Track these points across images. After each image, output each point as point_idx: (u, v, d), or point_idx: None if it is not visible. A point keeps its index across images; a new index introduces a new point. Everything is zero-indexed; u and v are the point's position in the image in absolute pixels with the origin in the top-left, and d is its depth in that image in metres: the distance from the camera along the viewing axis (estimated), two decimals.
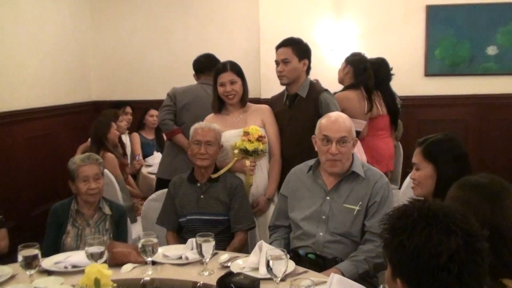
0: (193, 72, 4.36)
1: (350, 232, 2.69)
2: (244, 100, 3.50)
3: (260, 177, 3.43)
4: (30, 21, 5.35)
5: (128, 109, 5.54)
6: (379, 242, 2.58)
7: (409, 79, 5.93)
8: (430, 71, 5.97)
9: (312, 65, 3.65)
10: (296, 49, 3.45)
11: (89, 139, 4.81)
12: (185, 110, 4.01)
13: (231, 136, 3.40)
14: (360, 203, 2.70)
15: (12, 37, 5.02)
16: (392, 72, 5.04)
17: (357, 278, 2.29)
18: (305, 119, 3.37)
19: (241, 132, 3.37)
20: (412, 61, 5.97)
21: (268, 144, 3.44)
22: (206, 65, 4.23)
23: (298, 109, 3.47)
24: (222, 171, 3.23)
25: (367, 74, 4.23)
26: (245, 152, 3.32)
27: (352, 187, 2.74)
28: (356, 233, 2.70)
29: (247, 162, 3.35)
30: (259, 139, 3.33)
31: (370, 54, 5.17)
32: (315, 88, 3.48)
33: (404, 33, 5.96)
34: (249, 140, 3.31)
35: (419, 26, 5.94)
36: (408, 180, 3.63)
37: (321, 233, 2.71)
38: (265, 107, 3.58)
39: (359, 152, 3.99)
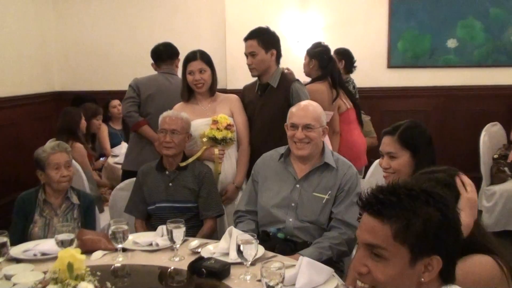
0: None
1: (319, 220, 2.74)
2: (212, 89, 3.51)
3: (228, 166, 3.46)
4: None
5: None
6: (343, 229, 2.67)
7: (373, 71, 6.06)
8: (393, 63, 6.11)
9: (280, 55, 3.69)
10: (262, 41, 3.47)
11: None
12: (150, 101, 3.99)
13: (200, 125, 3.41)
14: (330, 192, 2.75)
15: None
16: (355, 64, 5.17)
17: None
18: (275, 108, 3.42)
19: (209, 121, 3.39)
20: (376, 53, 6.10)
21: (237, 132, 3.47)
22: (166, 54, 4.22)
23: (269, 98, 3.51)
24: (190, 160, 3.25)
25: (332, 63, 4.30)
26: (214, 141, 3.35)
27: (323, 177, 2.79)
28: (324, 221, 2.75)
29: (216, 151, 3.38)
30: (228, 127, 3.36)
31: (335, 46, 5.26)
32: (286, 78, 3.53)
33: (368, 25, 6.08)
34: (218, 129, 3.33)
35: (382, 19, 6.06)
36: (373, 168, 3.71)
37: (290, 219, 2.76)
38: (234, 96, 3.61)
39: (326, 142, 4.07)
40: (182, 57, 3.68)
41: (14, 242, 2.67)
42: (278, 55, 3.55)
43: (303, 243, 2.70)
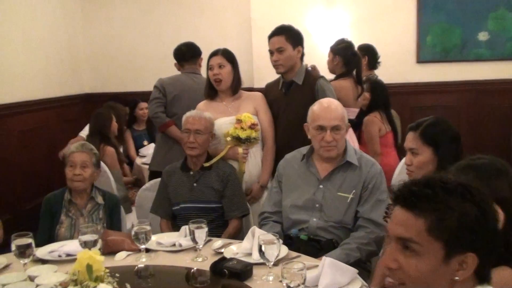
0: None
1: (344, 220, 2.70)
2: (234, 87, 3.48)
3: (253, 165, 3.44)
4: (20, 13, 5.31)
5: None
6: (370, 228, 2.62)
7: (401, 66, 5.94)
8: (422, 58, 5.98)
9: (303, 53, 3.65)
10: (289, 37, 3.44)
11: (80, 134, 4.82)
12: (176, 101, 4.00)
13: (223, 124, 3.40)
14: (354, 191, 2.71)
15: (2, 30, 4.99)
16: (379, 60, 5.08)
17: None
18: (301, 106, 3.34)
19: (233, 119, 3.37)
20: (404, 48, 5.97)
21: (261, 131, 3.45)
22: (189, 53, 4.23)
23: (294, 96, 3.47)
24: (214, 160, 3.24)
25: (357, 59, 4.24)
26: (238, 140, 3.33)
27: (346, 176, 2.74)
28: (349, 221, 2.70)
29: (240, 150, 3.36)
30: (252, 126, 3.33)
31: (362, 42, 5.20)
32: (311, 75, 3.49)
33: (396, 20, 5.96)
34: (242, 128, 3.31)
35: (410, 13, 5.94)
36: (400, 166, 3.64)
37: (314, 219, 2.72)
38: (258, 94, 3.58)
39: (351, 139, 4.02)
40: (205, 56, 3.69)
41: (42, 243, 2.71)
42: (303, 52, 3.52)
43: (328, 241, 2.66)
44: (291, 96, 3.48)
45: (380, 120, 4.35)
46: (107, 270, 1.78)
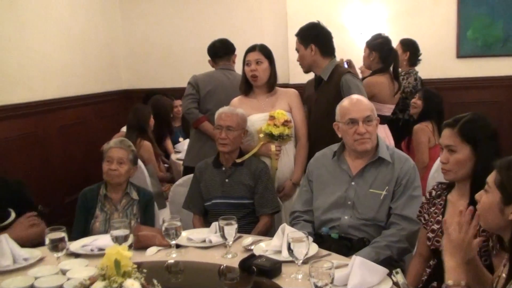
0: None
1: (377, 217, 2.65)
2: (270, 83, 3.47)
3: (285, 162, 3.42)
4: (60, 11, 5.42)
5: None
6: (402, 224, 2.57)
7: (441, 61, 5.83)
8: (463, 53, 5.84)
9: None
10: (300, 38, 3.50)
11: (122, 130, 4.89)
12: (209, 97, 4.03)
13: (257, 120, 3.39)
14: (387, 187, 2.66)
15: (42, 27, 5.10)
16: (419, 57, 4.98)
17: (379, 264, 2.25)
18: (327, 102, 3.34)
19: (267, 116, 3.35)
20: (444, 42, 5.85)
21: (295, 128, 3.42)
22: (222, 50, 4.24)
23: (322, 92, 3.45)
24: (247, 156, 3.23)
25: (394, 54, 4.16)
26: (271, 137, 3.31)
27: (378, 172, 2.70)
28: (382, 218, 2.66)
29: (273, 147, 3.34)
30: (285, 123, 3.30)
31: (400, 37, 5.13)
32: (338, 71, 3.44)
33: (435, 14, 5.84)
34: (275, 125, 3.29)
35: (451, 6, 5.81)
36: (437, 165, 3.56)
37: (346, 217, 2.68)
38: (292, 91, 3.55)
39: (387, 136, 3.96)
40: (241, 52, 3.68)
41: (77, 237, 2.78)
42: (323, 49, 3.46)
43: (359, 240, 2.62)
44: (319, 92, 3.48)
45: (431, 130, 4.21)
46: (135, 266, 1.79)
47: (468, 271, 1.83)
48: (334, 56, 3.53)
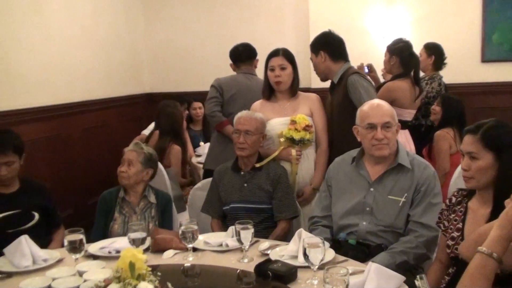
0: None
1: (395, 224, 2.62)
2: (294, 88, 3.46)
3: (305, 166, 3.40)
4: (83, 15, 5.51)
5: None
6: (420, 231, 2.53)
7: (465, 66, 5.73)
8: (487, 57, 5.74)
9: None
10: (311, 47, 3.56)
11: (143, 132, 4.93)
12: (232, 101, 4.05)
13: (278, 124, 3.38)
14: (406, 194, 2.63)
15: (66, 32, 5.19)
16: (445, 61, 4.92)
17: (395, 269, 2.22)
18: (337, 104, 3.38)
19: (287, 120, 3.34)
20: (468, 46, 5.76)
21: (316, 133, 3.41)
22: (245, 54, 4.25)
23: (334, 95, 3.47)
24: (266, 160, 3.23)
25: (415, 59, 4.12)
26: (291, 141, 3.30)
27: (398, 179, 2.66)
28: (401, 225, 2.62)
29: (293, 151, 3.33)
30: (306, 128, 3.29)
31: (423, 41, 5.08)
32: (347, 73, 3.43)
33: (459, 17, 5.75)
34: (296, 129, 3.27)
35: (475, 10, 5.71)
36: (458, 172, 3.50)
37: (364, 223, 2.66)
38: (314, 95, 3.54)
39: (408, 141, 3.92)
40: (262, 57, 3.68)
41: (96, 239, 2.81)
42: (333, 54, 3.46)
43: (377, 246, 2.59)
44: (333, 95, 3.50)
45: (452, 137, 4.16)
46: (149, 269, 1.80)
47: (506, 248, 1.77)
48: (347, 61, 3.52)
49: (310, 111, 3.42)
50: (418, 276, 1.93)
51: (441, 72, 4.99)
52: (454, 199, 2.35)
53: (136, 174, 3.09)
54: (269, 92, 3.50)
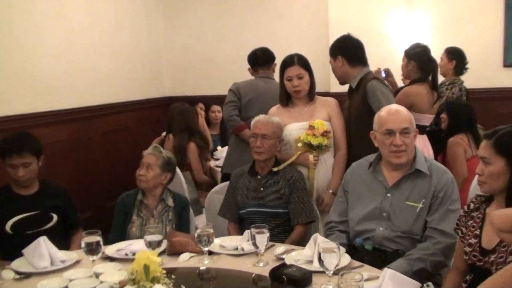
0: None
1: (412, 230, 2.60)
2: (311, 94, 3.46)
3: (323, 171, 3.39)
4: (105, 20, 5.58)
5: (201, 105, 5.72)
6: (438, 238, 2.51)
7: (487, 70, 5.66)
8: (510, 61, 5.66)
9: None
10: (330, 51, 3.55)
11: (163, 134, 4.97)
12: (250, 105, 4.07)
13: (295, 129, 3.38)
14: (423, 200, 2.60)
15: (88, 36, 5.26)
16: (466, 66, 4.86)
17: (412, 276, 2.20)
18: (355, 109, 3.36)
19: (305, 125, 3.34)
20: (490, 51, 5.69)
21: (334, 138, 3.39)
22: (263, 59, 4.26)
23: (352, 100, 3.46)
24: (284, 165, 3.22)
25: (433, 64, 4.08)
26: (309, 146, 3.29)
27: (415, 184, 2.64)
28: (418, 231, 2.60)
29: (311, 156, 3.31)
30: (324, 134, 3.26)
31: (444, 46, 5.03)
32: (366, 78, 3.41)
33: (481, 21, 5.69)
34: (314, 135, 3.26)
35: (497, 13, 5.64)
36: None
37: (380, 228, 2.64)
38: (331, 100, 3.52)
39: (426, 147, 3.88)
40: (278, 61, 3.69)
41: (114, 241, 2.83)
42: (351, 58, 3.45)
43: (394, 252, 2.56)
44: (350, 100, 3.49)
45: (466, 142, 4.11)
46: (164, 271, 1.82)
47: None
48: (366, 65, 3.50)
49: (328, 116, 3.41)
50: (425, 285, 1.91)
51: (462, 77, 4.94)
52: (472, 205, 2.33)
53: (155, 178, 3.12)
54: (286, 99, 3.49)
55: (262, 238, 2.37)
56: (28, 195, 3.06)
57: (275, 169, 3.18)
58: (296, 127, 3.39)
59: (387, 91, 3.35)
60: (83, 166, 5.12)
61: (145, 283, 1.75)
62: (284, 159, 3.32)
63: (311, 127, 3.28)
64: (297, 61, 3.41)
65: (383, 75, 4.35)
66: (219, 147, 5.41)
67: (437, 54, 4.90)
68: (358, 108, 3.30)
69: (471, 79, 5.09)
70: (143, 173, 3.09)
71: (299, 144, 3.32)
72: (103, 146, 5.45)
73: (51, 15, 4.72)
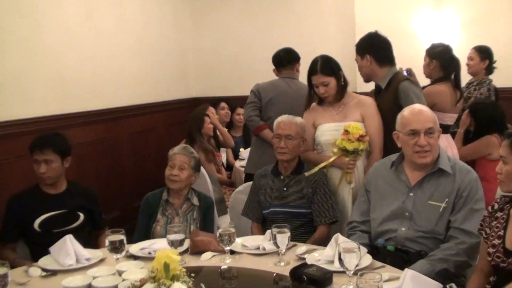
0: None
1: (435, 230, 2.57)
2: (341, 93, 3.38)
3: (359, 172, 3.34)
4: (133, 23, 5.65)
5: (224, 105, 5.75)
6: (461, 238, 2.47)
7: None
8: None
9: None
10: (357, 49, 3.52)
11: None
12: (271, 105, 4.08)
13: (327, 130, 3.35)
14: (447, 200, 2.57)
15: (116, 39, 5.34)
16: (494, 64, 4.79)
17: (435, 277, 2.18)
18: (385, 109, 3.30)
19: (337, 126, 3.29)
20: None
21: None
22: (286, 59, 4.27)
23: (381, 100, 3.41)
24: (316, 168, 3.20)
25: (455, 63, 4.02)
26: (345, 151, 3.20)
27: (438, 184, 2.61)
28: (441, 231, 2.57)
29: (346, 160, 3.23)
30: (360, 138, 3.16)
31: (472, 44, 4.95)
32: (397, 78, 3.37)
33: (510, 19, 5.58)
34: (349, 140, 3.17)
35: None
36: None
37: (403, 229, 2.62)
38: (369, 100, 3.43)
39: (450, 146, 3.83)
40: (308, 60, 3.66)
41: (139, 239, 2.88)
42: (379, 58, 3.41)
43: (417, 253, 2.54)
44: (378, 100, 3.43)
45: (499, 142, 3.94)
46: (184, 269, 1.84)
47: None
48: (394, 64, 3.46)
49: (362, 117, 3.34)
50: (447, 286, 1.89)
51: (491, 76, 4.86)
52: (496, 206, 2.30)
53: (187, 178, 3.17)
54: (319, 98, 3.45)
55: (283, 238, 2.38)
56: (56, 194, 3.13)
57: (308, 173, 3.17)
58: (328, 128, 3.35)
59: (419, 91, 3.33)
60: (111, 166, 5.20)
61: (165, 280, 1.77)
62: (316, 159, 3.32)
63: (346, 132, 3.18)
64: (320, 69, 3.33)
65: (405, 74, 4.30)
66: (241, 149, 5.43)
67: (465, 53, 4.84)
68: (389, 108, 3.21)
69: (501, 78, 5.01)
70: (176, 173, 3.13)
71: (335, 150, 3.25)
72: (130, 147, 5.52)
73: (80, 17, 4.81)
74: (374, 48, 3.43)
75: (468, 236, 2.48)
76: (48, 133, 3.25)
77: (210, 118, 4.92)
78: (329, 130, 3.34)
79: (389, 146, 2.94)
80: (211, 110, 5.33)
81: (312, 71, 3.38)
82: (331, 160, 3.26)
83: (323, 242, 2.96)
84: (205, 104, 5.33)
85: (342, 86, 3.38)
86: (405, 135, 2.63)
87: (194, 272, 1.96)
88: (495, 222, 2.25)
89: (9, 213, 3.07)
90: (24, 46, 4.14)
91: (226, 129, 5.55)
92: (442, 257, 2.45)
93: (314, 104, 3.50)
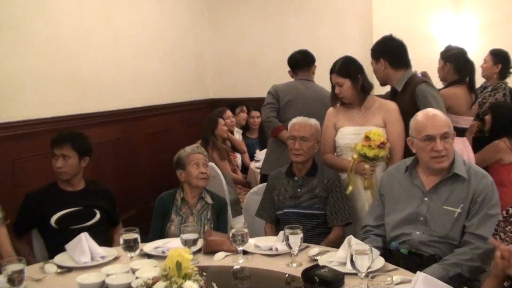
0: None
1: (450, 235, 2.55)
2: (360, 98, 3.34)
3: (377, 178, 3.31)
4: (150, 23, 5.70)
5: (244, 108, 5.80)
6: (476, 243, 2.45)
7: None
8: None
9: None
10: (372, 53, 3.51)
11: None
12: (289, 107, 4.08)
13: (347, 134, 3.32)
14: (462, 205, 2.54)
15: (134, 40, 5.39)
16: (511, 70, 4.73)
17: (448, 281, 2.16)
18: (402, 112, 3.27)
19: (358, 130, 3.26)
20: None
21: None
22: (302, 61, 4.28)
23: (398, 103, 3.37)
24: (349, 186, 3.23)
25: (469, 66, 3.99)
26: (365, 157, 3.18)
27: (453, 188, 2.58)
28: (456, 236, 2.55)
29: (367, 166, 3.20)
30: (380, 145, 3.12)
31: (491, 47, 4.90)
32: (413, 81, 3.35)
33: None
34: (370, 146, 3.13)
35: None
36: None
37: (417, 232, 2.61)
38: (392, 105, 3.36)
39: (466, 150, 3.80)
40: (325, 62, 3.65)
41: (153, 238, 2.91)
42: (393, 61, 3.40)
43: (430, 256, 2.52)
44: (396, 103, 3.39)
45: (507, 146, 3.98)
46: (196, 268, 1.86)
47: None
48: (409, 67, 3.44)
49: (383, 122, 3.29)
50: None
51: (508, 79, 4.80)
52: (511, 210, 2.28)
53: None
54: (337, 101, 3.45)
55: (296, 239, 2.39)
56: (73, 192, 3.17)
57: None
58: (348, 131, 3.32)
59: (437, 94, 3.32)
60: (127, 166, 5.25)
61: (177, 279, 1.79)
62: (335, 162, 3.34)
63: (367, 138, 3.15)
64: (337, 69, 3.33)
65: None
66: (257, 150, 5.45)
67: (483, 55, 4.81)
68: (406, 111, 3.17)
69: None
70: (205, 170, 3.23)
71: (355, 156, 3.22)
72: (147, 147, 5.56)
73: (98, 18, 4.86)
74: (388, 52, 3.42)
75: (483, 242, 2.45)
76: (71, 131, 3.34)
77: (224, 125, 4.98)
78: (349, 134, 3.31)
79: (407, 147, 2.92)
80: (228, 114, 5.37)
81: (331, 70, 3.40)
82: (350, 164, 3.24)
83: (338, 243, 2.95)
84: (223, 107, 5.36)
85: (362, 90, 3.33)
86: (421, 140, 2.60)
87: (204, 271, 1.98)
88: (509, 227, 2.23)
89: (25, 207, 3.13)
90: (43, 47, 4.20)
91: (242, 131, 5.58)
92: (456, 261, 2.43)
93: (338, 105, 3.47)
